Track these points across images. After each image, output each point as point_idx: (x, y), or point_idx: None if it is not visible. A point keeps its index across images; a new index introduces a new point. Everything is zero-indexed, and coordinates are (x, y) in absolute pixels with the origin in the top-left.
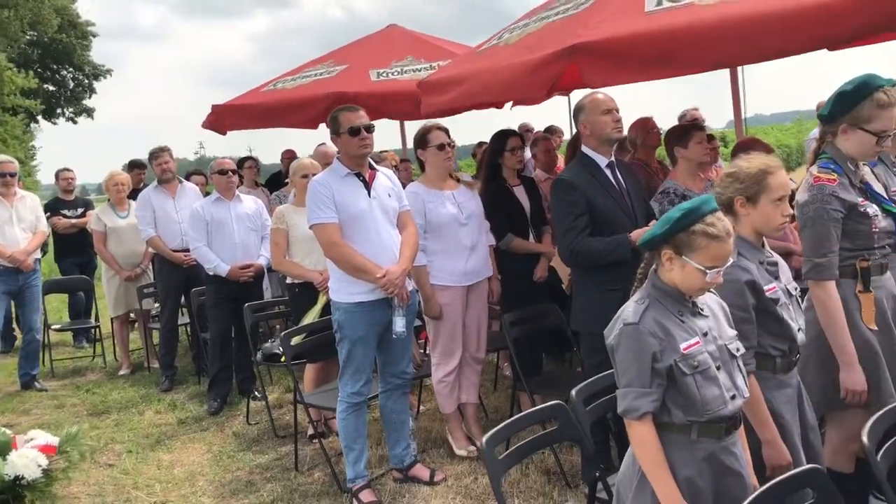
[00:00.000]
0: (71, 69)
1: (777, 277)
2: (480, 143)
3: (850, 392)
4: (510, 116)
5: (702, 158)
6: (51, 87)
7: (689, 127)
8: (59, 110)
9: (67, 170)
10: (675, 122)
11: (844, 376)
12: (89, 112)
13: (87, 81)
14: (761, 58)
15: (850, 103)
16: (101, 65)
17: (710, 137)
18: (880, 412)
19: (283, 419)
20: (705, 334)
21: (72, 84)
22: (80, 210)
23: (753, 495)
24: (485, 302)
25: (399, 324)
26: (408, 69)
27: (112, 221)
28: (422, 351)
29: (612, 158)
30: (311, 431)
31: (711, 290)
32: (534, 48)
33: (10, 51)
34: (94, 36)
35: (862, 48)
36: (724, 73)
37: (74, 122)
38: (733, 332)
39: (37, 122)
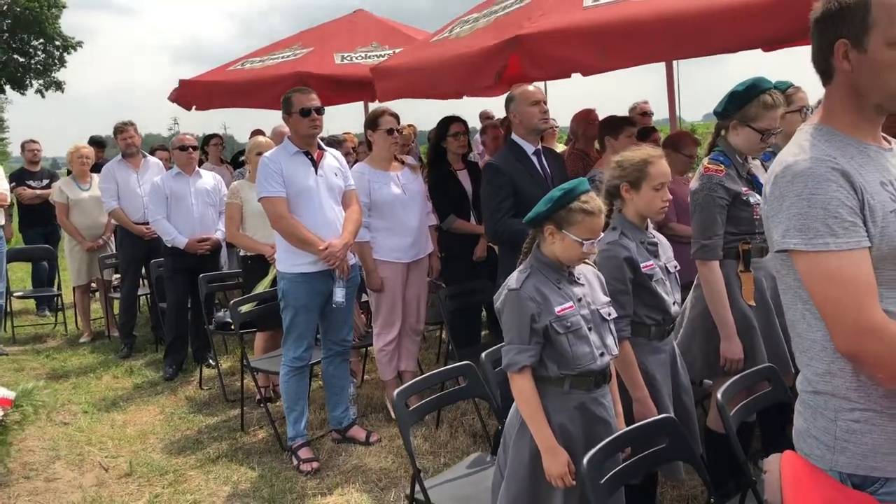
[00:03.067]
0: (41, 40)
1: (656, 256)
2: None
3: (729, 360)
4: (479, 104)
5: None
6: (20, 59)
7: (622, 120)
8: (28, 82)
9: (33, 141)
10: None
11: (724, 346)
12: (59, 85)
13: (57, 53)
14: (694, 53)
15: (739, 103)
16: (71, 37)
17: (653, 130)
18: (736, 376)
19: (235, 385)
20: (580, 300)
21: (42, 55)
22: (45, 181)
23: (613, 436)
24: (424, 278)
25: (339, 294)
26: (371, 54)
27: (74, 194)
28: (366, 323)
29: (539, 147)
30: (258, 396)
31: (589, 262)
32: (480, 41)
33: None
34: (64, 7)
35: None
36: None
37: (42, 96)
38: (606, 299)
39: (3, 91)
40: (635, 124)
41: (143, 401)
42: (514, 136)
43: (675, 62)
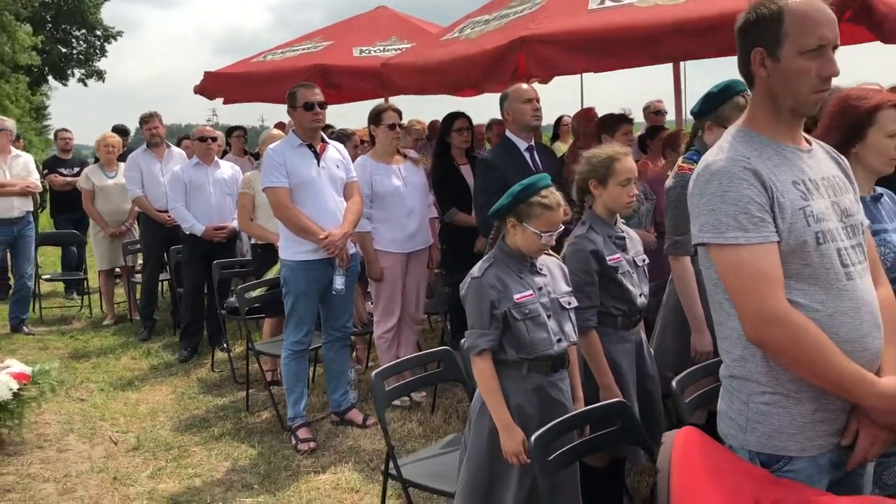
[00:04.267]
0: (83, 30)
1: (624, 249)
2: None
3: (699, 353)
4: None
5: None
6: (62, 48)
7: (619, 118)
8: (69, 71)
9: (66, 130)
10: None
11: (695, 338)
12: (100, 74)
13: (98, 43)
14: (694, 55)
15: (714, 103)
16: (111, 27)
17: (662, 128)
18: (694, 367)
19: (245, 368)
20: (540, 289)
21: (83, 45)
22: (76, 169)
23: (567, 415)
24: (424, 268)
25: (339, 282)
26: (390, 48)
27: (100, 181)
28: (370, 312)
29: (532, 143)
30: (268, 379)
31: (553, 253)
32: (492, 42)
33: (25, 10)
34: None
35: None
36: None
37: (85, 84)
38: (567, 289)
39: (46, 81)
40: (631, 122)
41: (157, 381)
42: (507, 133)
43: (682, 63)
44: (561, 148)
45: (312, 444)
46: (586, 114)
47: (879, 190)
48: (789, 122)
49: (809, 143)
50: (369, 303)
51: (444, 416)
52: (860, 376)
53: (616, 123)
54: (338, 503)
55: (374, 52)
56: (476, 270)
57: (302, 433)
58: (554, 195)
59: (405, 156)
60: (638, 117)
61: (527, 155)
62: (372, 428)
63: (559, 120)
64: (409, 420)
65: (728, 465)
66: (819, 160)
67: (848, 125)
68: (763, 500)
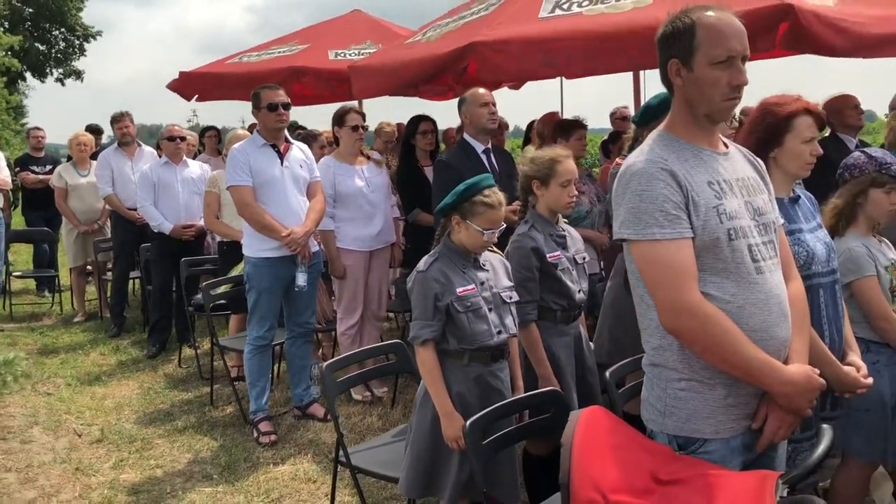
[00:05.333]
0: (62, 29)
1: (564, 247)
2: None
3: None
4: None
5: (578, 153)
6: (40, 47)
7: (574, 123)
8: (48, 70)
9: (38, 128)
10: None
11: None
12: (78, 74)
13: (77, 42)
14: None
15: (652, 114)
16: (91, 26)
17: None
18: (627, 359)
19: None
20: (482, 283)
21: (62, 44)
22: (48, 167)
23: (501, 403)
24: (387, 266)
25: (301, 278)
26: (364, 52)
27: (73, 179)
28: (335, 309)
29: (489, 145)
30: (232, 375)
31: (496, 250)
32: (445, 45)
33: (3, 8)
34: None
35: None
36: None
37: (62, 84)
38: (509, 284)
39: (24, 79)
40: (585, 127)
41: (125, 376)
42: (465, 136)
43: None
44: (531, 151)
45: (273, 437)
46: (550, 118)
47: (798, 192)
48: (705, 126)
49: (727, 147)
50: (335, 300)
51: (403, 409)
52: (767, 364)
53: (571, 129)
54: (295, 492)
55: (350, 55)
56: (421, 265)
57: (263, 426)
58: (496, 195)
59: (368, 157)
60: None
61: (483, 157)
62: (332, 422)
63: (531, 124)
64: (370, 414)
65: (628, 441)
66: (735, 162)
67: (767, 130)
68: (659, 472)
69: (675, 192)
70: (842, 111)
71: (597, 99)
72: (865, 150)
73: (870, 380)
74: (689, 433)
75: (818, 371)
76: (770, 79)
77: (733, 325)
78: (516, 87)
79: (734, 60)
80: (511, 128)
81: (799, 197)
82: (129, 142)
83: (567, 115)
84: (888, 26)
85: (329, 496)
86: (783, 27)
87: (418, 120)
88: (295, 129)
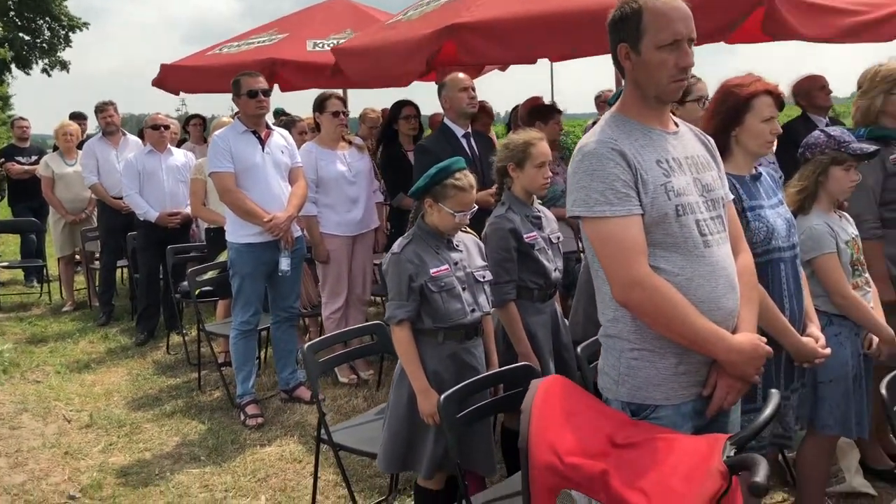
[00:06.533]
0: (47, 19)
1: (540, 228)
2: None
3: None
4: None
5: (554, 136)
6: (25, 37)
7: (551, 108)
8: (33, 60)
9: (23, 119)
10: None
11: None
12: (64, 64)
13: (62, 33)
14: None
15: None
16: (77, 17)
17: None
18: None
19: (200, 351)
20: (455, 263)
21: (47, 34)
22: (33, 157)
23: (474, 378)
24: (370, 251)
25: (284, 263)
26: (343, 41)
27: (60, 168)
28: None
29: (469, 129)
30: (220, 360)
31: (470, 231)
32: (424, 26)
33: None
34: None
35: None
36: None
37: (49, 75)
38: (482, 264)
39: (9, 70)
40: (560, 112)
41: (114, 363)
42: (445, 120)
43: None
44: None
45: (260, 420)
46: (533, 103)
47: (760, 169)
48: (655, 107)
49: (677, 126)
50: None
51: (388, 391)
52: (714, 332)
53: (548, 113)
54: (281, 472)
55: (328, 45)
56: (396, 247)
57: (250, 409)
58: (467, 177)
59: (350, 142)
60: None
61: (463, 141)
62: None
63: (514, 109)
64: (356, 396)
65: (585, 408)
66: (685, 141)
67: (728, 110)
68: (615, 437)
69: (624, 170)
70: (810, 92)
71: (587, 83)
72: (825, 129)
73: (828, 350)
74: (642, 400)
75: (765, 340)
76: (771, 63)
77: (681, 296)
78: (503, 68)
79: (680, 43)
80: (503, 114)
81: (760, 174)
82: (114, 131)
83: (558, 100)
84: (865, 12)
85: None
86: (759, 13)
87: (401, 105)
88: (281, 115)
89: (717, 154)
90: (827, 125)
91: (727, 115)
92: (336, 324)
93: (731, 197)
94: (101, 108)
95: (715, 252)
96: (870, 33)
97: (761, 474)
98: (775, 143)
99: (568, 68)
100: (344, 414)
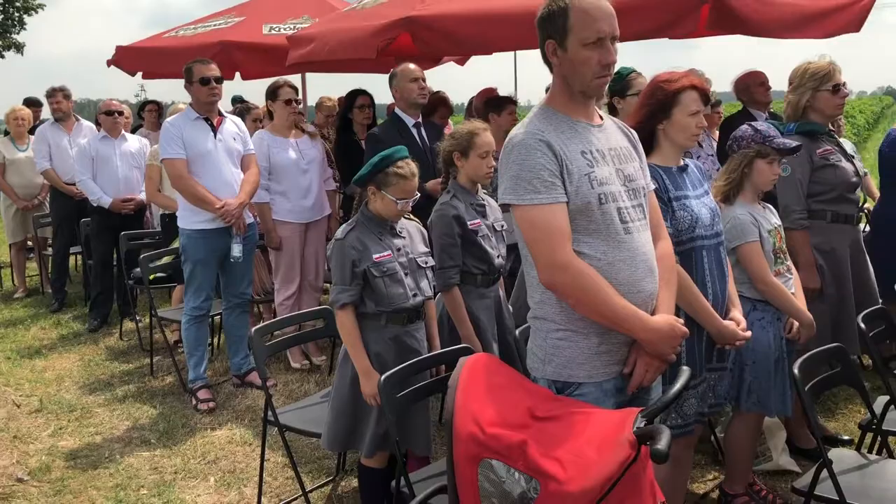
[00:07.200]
0: (1, 1)
1: (484, 216)
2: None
3: None
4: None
5: (509, 126)
6: None
7: (505, 99)
8: None
9: None
10: None
11: None
12: (19, 47)
13: (17, 15)
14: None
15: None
16: None
17: None
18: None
19: (154, 336)
20: (398, 250)
21: (0, 17)
22: None
23: (418, 359)
24: (323, 238)
25: (236, 249)
26: (300, 26)
27: (11, 154)
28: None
29: (419, 119)
30: (173, 345)
31: (414, 218)
32: (380, 16)
33: None
34: None
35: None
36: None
37: (2, 57)
38: (425, 250)
39: None
40: (515, 103)
41: (66, 349)
42: (396, 110)
43: None
44: None
45: (212, 405)
46: (487, 94)
47: (687, 161)
48: (580, 101)
49: (602, 119)
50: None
51: None
52: (633, 313)
53: (503, 104)
54: (230, 454)
55: (284, 29)
56: (339, 233)
57: (202, 394)
58: (409, 166)
59: (303, 130)
60: None
61: (414, 130)
62: (271, 389)
63: (471, 101)
64: (307, 381)
65: (510, 383)
66: (608, 134)
67: (656, 104)
68: (537, 410)
69: (550, 160)
70: (750, 88)
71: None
72: (752, 123)
73: (748, 333)
74: (566, 378)
75: (682, 321)
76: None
77: (602, 279)
78: (461, 62)
79: (604, 41)
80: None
81: (687, 166)
82: (63, 117)
83: (521, 92)
84: (811, 7)
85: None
86: (706, 8)
87: (356, 94)
88: (238, 103)
89: (640, 146)
90: (766, 120)
91: (655, 108)
92: (289, 310)
93: (653, 186)
94: (50, 94)
95: (635, 238)
96: (814, 29)
97: (663, 442)
98: (703, 136)
99: (532, 60)
100: (295, 399)
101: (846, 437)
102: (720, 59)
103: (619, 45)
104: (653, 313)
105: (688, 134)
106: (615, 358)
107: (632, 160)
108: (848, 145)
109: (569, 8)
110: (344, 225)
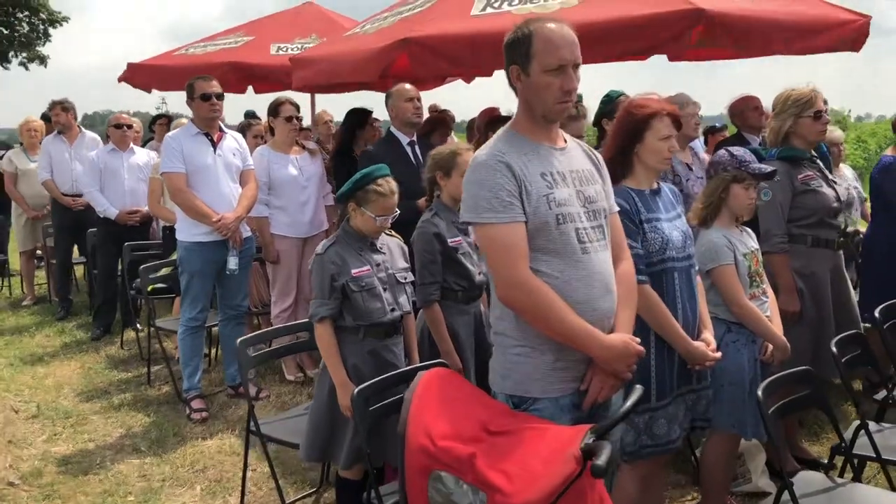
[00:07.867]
0: (26, 13)
1: (465, 233)
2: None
3: None
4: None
5: None
6: (4, 31)
7: (505, 119)
8: (11, 54)
9: None
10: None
11: None
12: (42, 59)
13: (42, 27)
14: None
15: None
16: (57, 11)
17: None
18: None
19: (154, 346)
20: (378, 265)
21: (26, 28)
22: (1, 153)
23: (393, 372)
24: None
25: (233, 262)
26: (307, 46)
27: (23, 164)
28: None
29: (414, 137)
30: (176, 357)
31: (394, 234)
32: (379, 40)
33: None
34: None
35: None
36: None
37: (26, 69)
38: (405, 266)
39: None
40: None
41: (67, 357)
42: (391, 128)
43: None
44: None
45: (205, 414)
46: (490, 113)
47: (660, 184)
48: (543, 125)
49: (566, 142)
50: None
51: None
52: (588, 331)
53: (502, 124)
54: (219, 464)
55: (292, 49)
56: (320, 248)
57: (196, 404)
58: (389, 184)
59: (303, 147)
60: None
61: (408, 149)
62: (264, 400)
63: (472, 120)
64: (300, 393)
65: (466, 397)
66: (571, 157)
67: (629, 129)
68: (490, 424)
69: (509, 181)
70: (743, 112)
71: None
72: (729, 148)
73: (718, 354)
74: (523, 392)
75: (638, 340)
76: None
77: (558, 297)
78: (468, 80)
79: (566, 68)
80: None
81: (660, 189)
82: (64, 129)
83: None
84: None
85: (251, 467)
86: (697, 31)
87: (366, 112)
88: (253, 117)
89: (605, 169)
90: (760, 144)
91: (629, 132)
92: (284, 322)
93: (616, 209)
94: (51, 108)
95: (593, 258)
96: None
97: (602, 458)
98: (694, 159)
99: None
100: (286, 409)
101: (825, 462)
102: (732, 78)
103: (625, 65)
104: (610, 332)
105: (660, 157)
106: (572, 374)
107: (594, 182)
108: (849, 171)
109: (532, 35)
110: (325, 240)
